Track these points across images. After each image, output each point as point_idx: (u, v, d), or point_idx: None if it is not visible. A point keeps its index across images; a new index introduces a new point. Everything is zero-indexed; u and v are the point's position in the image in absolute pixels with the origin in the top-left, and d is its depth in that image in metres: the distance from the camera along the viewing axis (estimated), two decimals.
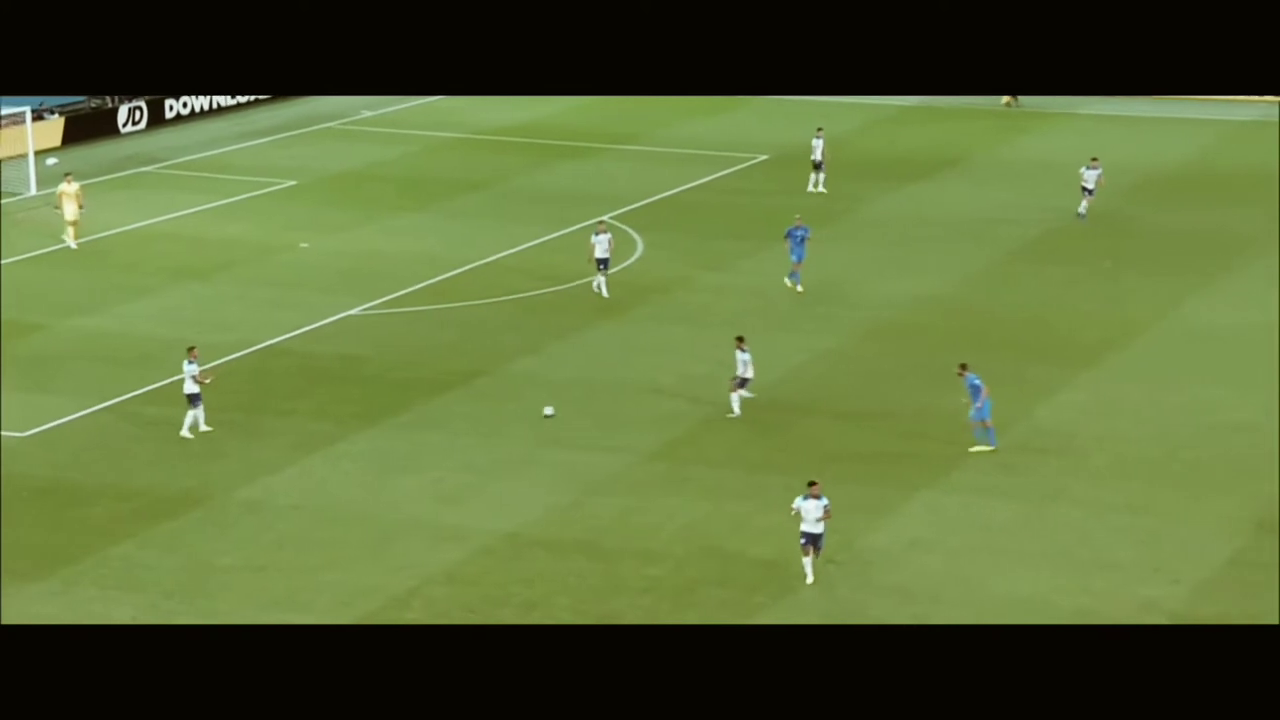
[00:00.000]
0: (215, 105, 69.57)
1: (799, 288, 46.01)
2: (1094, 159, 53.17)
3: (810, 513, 30.06)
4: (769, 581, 30.51)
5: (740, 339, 37.90)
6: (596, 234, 45.90)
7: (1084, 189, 52.70)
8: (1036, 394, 38.99)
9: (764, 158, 61.83)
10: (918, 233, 52.13)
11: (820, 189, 55.96)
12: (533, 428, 37.44)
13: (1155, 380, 39.93)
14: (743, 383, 37.62)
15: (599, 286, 45.60)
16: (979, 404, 35.39)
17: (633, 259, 49.18)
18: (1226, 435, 36.57)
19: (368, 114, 69.62)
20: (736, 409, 37.65)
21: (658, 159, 62.03)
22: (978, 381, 35.49)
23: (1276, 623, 28.64)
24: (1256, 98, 70.21)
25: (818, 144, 56.37)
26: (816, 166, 56.28)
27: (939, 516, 33.08)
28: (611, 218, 50.27)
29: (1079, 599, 29.79)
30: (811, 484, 30.30)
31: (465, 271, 48.65)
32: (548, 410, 37.75)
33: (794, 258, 46.05)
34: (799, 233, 46.07)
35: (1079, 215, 52.48)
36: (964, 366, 36.06)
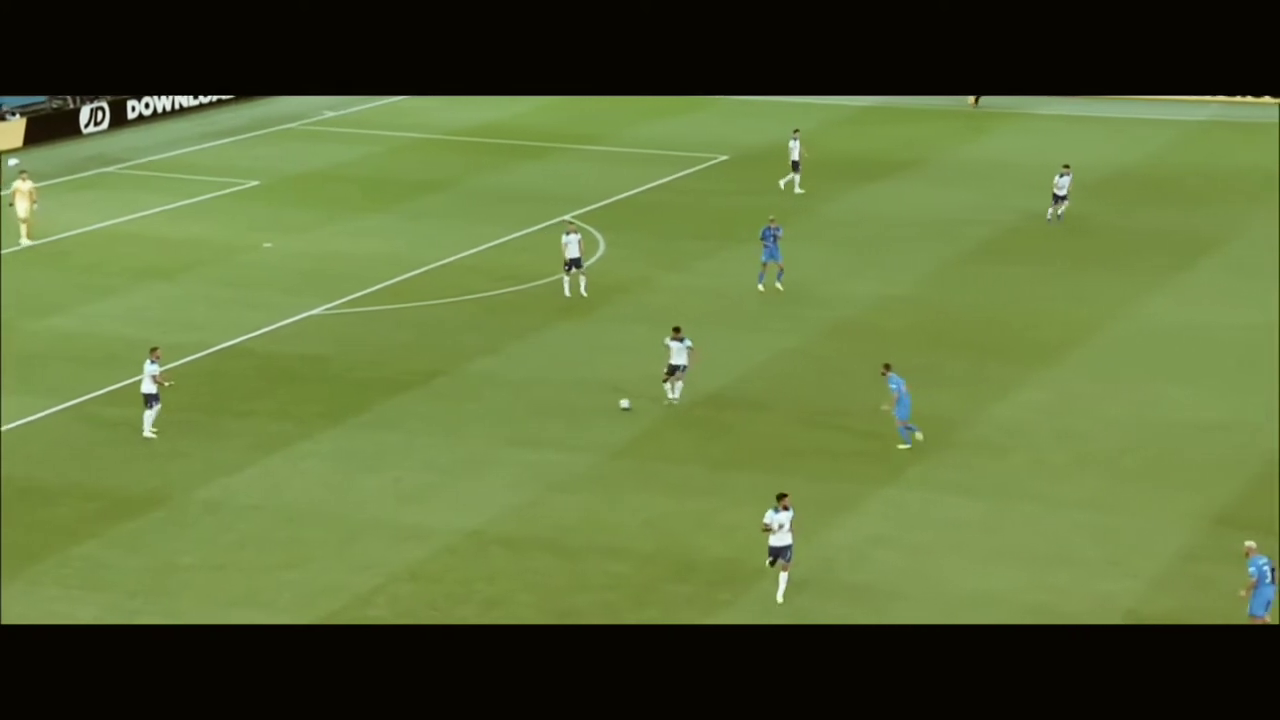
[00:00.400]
0: (177, 106, 69.17)
1: (760, 286, 46.02)
2: (1065, 166, 52.93)
3: (781, 524, 29.50)
4: (732, 578, 30.49)
5: (676, 329, 38.08)
6: (566, 234, 45.78)
7: (1055, 196, 52.31)
8: (996, 391, 39.08)
9: (724, 158, 61.84)
10: (878, 232, 52.19)
11: (797, 189, 56.01)
12: (494, 426, 37.36)
13: (1114, 378, 40.07)
14: (674, 370, 37.79)
15: (582, 286, 45.32)
16: (898, 401, 35.37)
17: (594, 259, 49.10)
18: (1184, 433, 36.72)
19: (330, 114, 69.38)
20: (674, 395, 37.89)
21: (619, 159, 61.97)
22: (897, 385, 35.46)
23: (1227, 616, 28.84)
24: (1209, 98, 70.42)
25: (794, 145, 56.44)
26: (794, 166, 56.34)
27: (900, 513, 33.11)
28: (573, 217, 50.16)
29: (1038, 594, 29.87)
30: (781, 496, 29.79)
31: (427, 271, 48.51)
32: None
33: (764, 256, 45.99)
34: (773, 232, 45.98)
35: (1050, 219, 52.01)
36: (887, 366, 36.15)
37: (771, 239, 45.93)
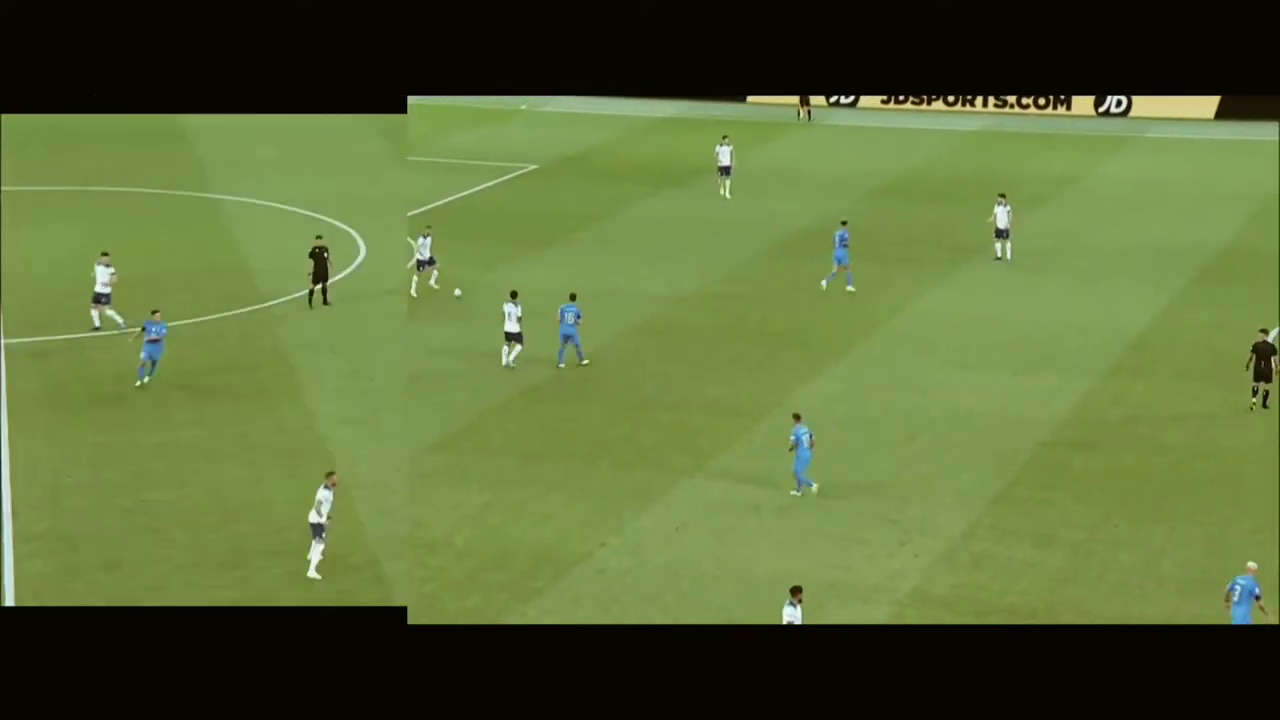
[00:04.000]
0: None
1: (850, 287, 45.97)
2: (1002, 195, 49.20)
3: (795, 619, 26.04)
4: (545, 566, 30.27)
5: (513, 293, 39.68)
6: (422, 237, 45.62)
7: (997, 230, 48.42)
8: (790, 382, 39.37)
9: (533, 167, 61.57)
10: (678, 235, 52.36)
11: (727, 194, 55.97)
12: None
13: (897, 367, 40.61)
14: (510, 338, 39.18)
15: (433, 280, 45.27)
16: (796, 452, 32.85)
17: (413, 261, 48.55)
18: (962, 417, 37.30)
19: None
20: (509, 360, 39.26)
21: (431, 169, 61.31)
22: (798, 435, 32.80)
23: (1002, 593, 29.36)
24: (979, 108, 71.48)
25: (723, 150, 56.40)
26: (725, 171, 56.25)
27: (703, 500, 33.16)
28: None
29: (832, 573, 30.10)
30: (795, 590, 26.34)
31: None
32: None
33: (837, 259, 46.12)
34: (841, 235, 46.21)
35: (1004, 257, 48.81)
36: (797, 417, 33.53)
37: (842, 242, 46.00)
